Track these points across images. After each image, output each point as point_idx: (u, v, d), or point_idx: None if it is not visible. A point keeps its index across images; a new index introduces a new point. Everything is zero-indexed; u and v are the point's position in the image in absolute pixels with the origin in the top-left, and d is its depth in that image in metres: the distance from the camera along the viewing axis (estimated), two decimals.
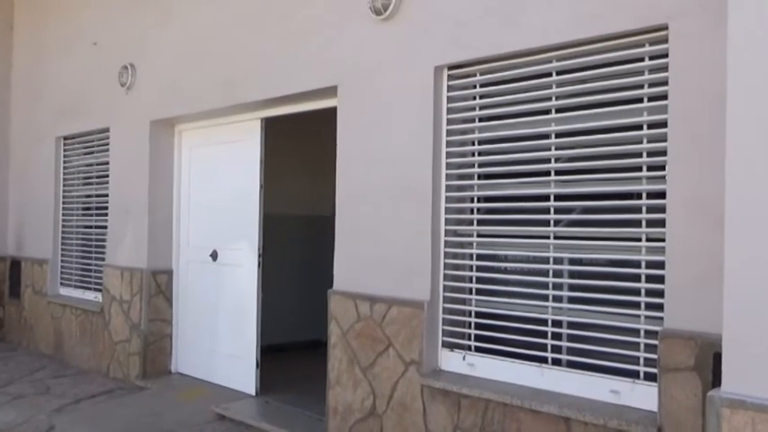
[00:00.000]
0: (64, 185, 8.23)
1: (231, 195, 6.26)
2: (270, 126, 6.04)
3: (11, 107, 9.14)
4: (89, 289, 7.72)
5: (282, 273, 7.60)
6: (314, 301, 7.59)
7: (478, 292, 4.20)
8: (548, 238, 3.85)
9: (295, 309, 8.06)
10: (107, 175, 7.32)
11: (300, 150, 8.10)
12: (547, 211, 3.85)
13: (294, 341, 7.87)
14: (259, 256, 5.98)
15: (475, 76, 4.18)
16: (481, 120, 4.20)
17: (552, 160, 3.84)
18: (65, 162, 8.22)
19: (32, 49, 8.77)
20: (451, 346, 4.26)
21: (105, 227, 7.33)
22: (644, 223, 3.46)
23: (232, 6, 5.82)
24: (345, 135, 4.82)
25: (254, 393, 5.97)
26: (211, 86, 5.99)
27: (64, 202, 8.23)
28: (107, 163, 7.33)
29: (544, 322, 3.84)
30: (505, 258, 4.21)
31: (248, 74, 5.64)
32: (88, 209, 7.86)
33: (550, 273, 3.84)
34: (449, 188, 4.28)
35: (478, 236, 4.22)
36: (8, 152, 9.12)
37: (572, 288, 3.79)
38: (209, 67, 6.03)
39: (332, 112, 5.01)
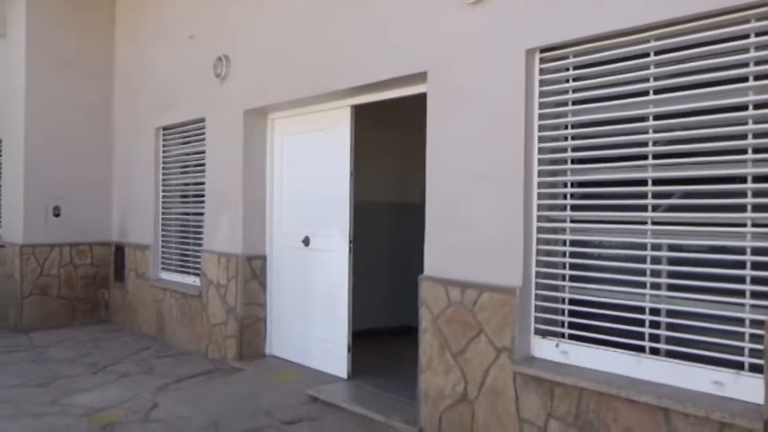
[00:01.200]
0: (163, 174, 8.56)
1: (322, 182, 6.36)
2: (359, 113, 6.09)
3: (114, 100, 9.56)
4: (188, 273, 8.02)
5: (373, 259, 7.67)
6: (404, 286, 7.65)
7: (572, 278, 4.12)
8: (645, 223, 3.74)
9: (385, 294, 8.13)
10: (203, 164, 7.57)
11: (389, 137, 8.13)
12: (644, 195, 3.74)
13: (384, 327, 7.95)
14: (350, 242, 6.06)
15: (568, 58, 4.09)
16: (575, 103, 4.11)
17: (650, 143, 3.72)
18: (164, 152, 8.55)
19: (133, 42, 9.14)
20: (544, 333, 4.20)
21: (202, 214, 7.60)
22: (749, 208, 3.31)
23: None
24: (435, 120, 4.81)
25: (345, 377, 6.08)
26: (302, 75, 6.09)
27: (163, 191, 8.56)
28: (203, 152, 7.58)
29: (641, 310, 3.74)
30: (600, 245, 4.11)
31: (338, 61, 5.70)
32: (186, 196, 8.16)
33: (648, 259, 3.73)
34: (541, 173, 4.21)
35: (572, 221, 4.14)
36: (112, 143, 9.56)
37: (671, 275, 3.66)
38: (300, 55, 6.13)
39: (420, 98, 5.01)
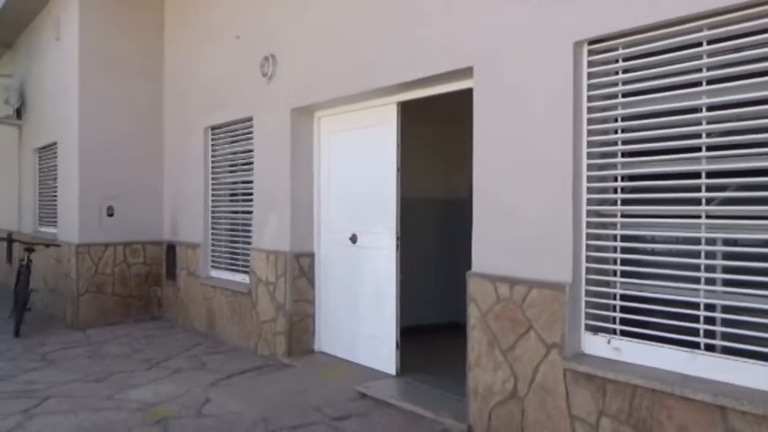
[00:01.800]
0: (212, 173, 8.69)
1: (369, 179, 6.38)
2: (405, 109, 6.09)
3: (163, 101, 9.74)
4: (237, 271, 8.13)
5: (420, 255, 7.66)
6: (451, 283, 7.62)
7: (623, 274, 4.05)
8: (699, 217, 3.65)
9: (432, 291, 8.12)
10: (251, 163, 7.66)
11: (435, 133, 8.12)
12: (698, 189, 3.65)
13: (432, 323, 7.94)
14: (397, 238, 6.07)
15: (617, 50, 4.01)
16: (624, 95, 4.03)
17: (703, 135, 3.63)
18: (212, 151, 8.67)
19: (181, 44, 9.30)
20: (595, 330, 4.14)
21: (251, 212, 7.69)
22: None
23: None
24: (482, 115, 4.78)
25: (394, 373, 6.09)
26: (348, 72, 6.11)
27: (212, 190, 8.70)
28: (251, 151, 7.67)
29: (696, 306, 3.65)
30: (652, 239, 4.04)
31: (383, 58, 5.70)
32: (235, 195, 8.27)
33: (702, 254, 3.64)
34: (590, 167, 4.15)
35: (623, 216, 4.07)
36: (162, 144, 9.75)
37: (726, 270, 3.57)
38: (345, 53, 6.16)
39: (466, 93, 4.98)
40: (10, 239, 11.08)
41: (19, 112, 11.95)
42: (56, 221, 10.24)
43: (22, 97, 11.91)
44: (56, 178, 10.24)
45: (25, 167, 12.05)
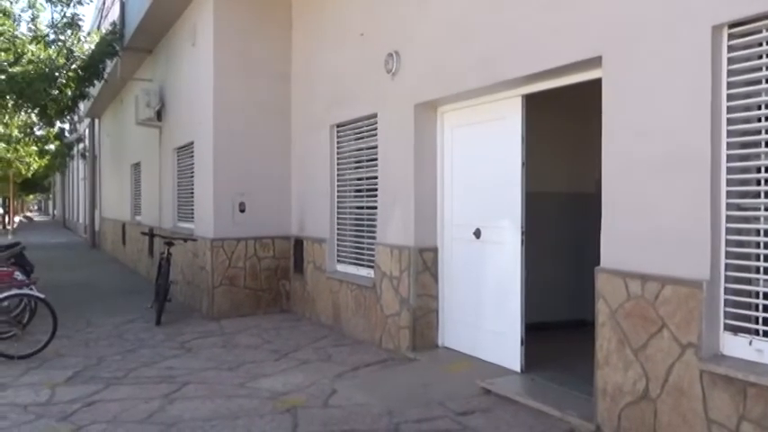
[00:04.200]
0: (338, 170, 8.88)
1: (492, 174, 6.31)
2: (529, 101, 5.98)
3: (291, 99, 10.05)
4: (362, 265, 8.28)
5: (545, 251, 7.50)
6: (577, 279, 7.44)
7: (767, 271, 3.80)
8: None
9: (558, 287, 7.94)
10: (376, 159, 7.77)
11: (560, 127, 7.94)
12: None
13: (557, 320, 7.76)
14: (522, 233, 5.98)
15: (761, 32, 3.77)
16: None
17: None
18: (338, 148, 8.87)
19: (308, 45, 9.56)
20: (735, 330, 3.91)
21: (375, 207, 7.80)
22: None
23: None
24: (611, 106, 4.62)
25: (518, 370, 6.01)
26: (471, 66, 6.08)
27: (338, 186, 8.89)
28: (375, 147, 7.78)
29: None
30: None
31: (507, 50, 5.63)
32: (359, 191, 8.42)
33: None
34: (730, 158, 3.92)
35: (767, 209, 3.82)
36: (290, 142, 10.06)
37: None
38: (468, 47, 6.12)
39: (593, 84, 4.83)
40: (152, 234, 11.79)
41: (159, 115, 12.69)
42: (193, 217, 10.81)
43: (162, 100, 12.65)
44: (192, 176, 10.81)
45: (165, 166, 12.78)
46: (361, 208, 8.32)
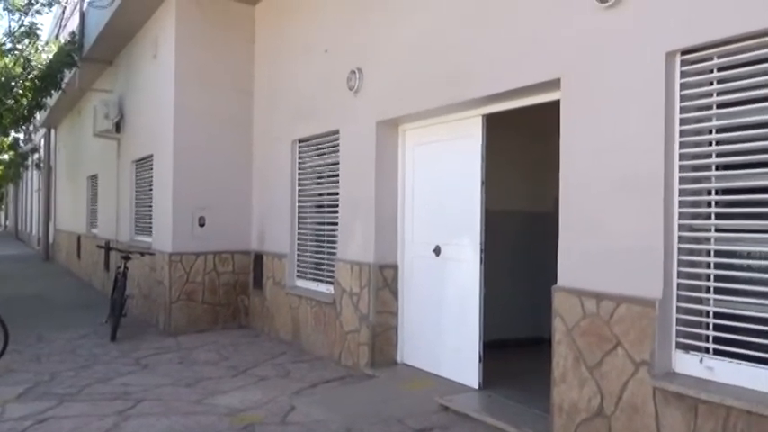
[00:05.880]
0: (299, 185, 8.87)
1: (453, 192, 6.38)
2: (490, 121, 6.07)
3: (254, 115, 10.02)
4: (322, 281, 8.26)
5: (504, 269, 7.59)
6: (535, 297, 7.52)
7: (717, 290, 3.91)
8: None
9: (516, 305, 8.02)
10: (337, 175, 7.79)
11: (522, 146, 8.05)
12: None
13: (516, 337, 7.85)
14: (481, 251, 6.04)
15: (711, 59, 3.91)
16: (719, 106, 3.91)
17: None
18: (300, 163, 8.86)
19: (270, 59, 9.56)
20: (687, 348, 4.01)
21: (336, 223, 7.81)
22: None
23: (452, 6, 5.94)
24: (569, 128, 4.72)
25: (476, 387, 6.05)
26: (433, 85, 6.15)
27: (299, 201, 8.87)
28: (337, 163, 7.79)
29: None
30: (748, 255, 3.88)
31: (470, 71, 5.71)
32: (320, 206, 8.42)
33: None
34: (683, 180, 4.03)
35: (717, 231, 3.94)
36: (251, 157, 10.02)
37: None
38: (430, 66, 6.20)
39: (550, 106, 4.94)
40: (108, 248, 11.60)
41: (118, 126, 12.54)
42: (151, 231, 10.66)
43: (121, 112, 12.50)
44: (151, 189, 10.68)
45: (123, 179, 12.61)
46: (322, 224, 8.32)
